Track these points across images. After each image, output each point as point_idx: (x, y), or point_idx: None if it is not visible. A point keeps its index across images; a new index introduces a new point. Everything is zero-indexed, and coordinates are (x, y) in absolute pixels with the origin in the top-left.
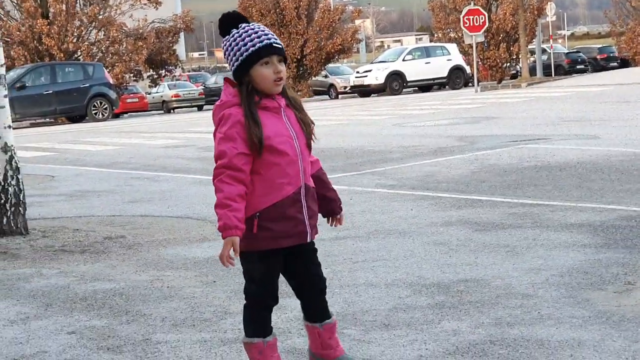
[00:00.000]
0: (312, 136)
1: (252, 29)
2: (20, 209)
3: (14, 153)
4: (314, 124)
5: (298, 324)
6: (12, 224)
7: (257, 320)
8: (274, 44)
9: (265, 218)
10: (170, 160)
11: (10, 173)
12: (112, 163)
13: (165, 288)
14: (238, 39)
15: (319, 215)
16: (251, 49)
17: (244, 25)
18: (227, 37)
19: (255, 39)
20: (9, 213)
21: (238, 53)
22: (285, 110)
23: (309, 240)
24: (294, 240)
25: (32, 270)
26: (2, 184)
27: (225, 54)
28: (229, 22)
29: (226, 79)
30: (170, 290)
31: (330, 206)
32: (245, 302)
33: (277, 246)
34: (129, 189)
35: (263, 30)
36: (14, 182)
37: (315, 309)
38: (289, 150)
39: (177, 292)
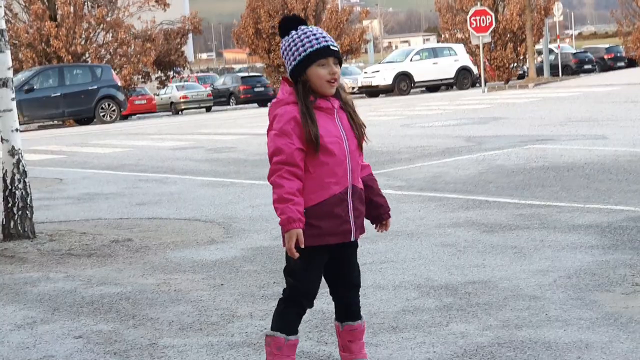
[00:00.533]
0: (364, 138)
1: (311, 31)
2: (27, 212)
3: (21, 156)
4: (365, 127)
5: (306, 327)
6: (20, 228)
7: (286, 317)
8: (331, 47)
9: (312, 215)
10: (179, 162)
11: (17, 176)
12: (120, 165)
13: (173, 291)
14: (297, 39)
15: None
16: (309, 49)
17: (303, 27)
18: (286, 37)
19: (314, 41)
20: (16, 217)
21: (296, 53)
22: (338, 112)
23: (352, 239)
24: (339, 238)
25: (39, 274)
26: (10, 187)
27: (283, 54)
28: (288, 24)
29: (284, 78)
30: (177, 293)
31: (377, 211)
32: (281, 296)
33: (323, 243)
34: (137, 192)
35: (321, 33)
36: (21, 186)
37: (343, 306)
38: (338, 150)
39: (184, 296)
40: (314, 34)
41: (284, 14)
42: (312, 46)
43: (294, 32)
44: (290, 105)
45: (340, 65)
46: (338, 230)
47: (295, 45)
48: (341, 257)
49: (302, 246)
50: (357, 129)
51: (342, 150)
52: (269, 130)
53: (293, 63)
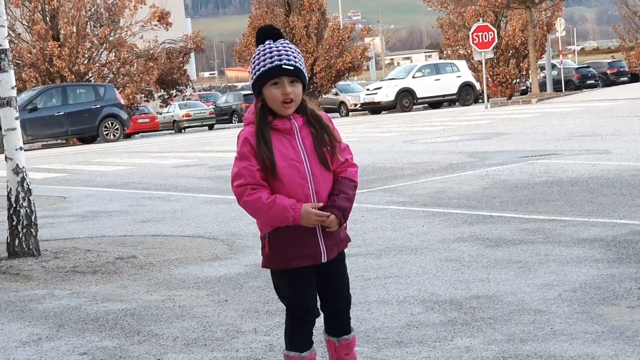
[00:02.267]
0: (334, 151)
1: (271, 48)
2: (32, 230)
3: (26, 175)
4: (338, 141)
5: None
6: (24, 246)
7: (294, 334)
8: (284, 66)
9: (275, 240)
10: (182, 179)
11: (22, 195)
12: (124, 183)
13: (177, 308)
14: (256, 57)
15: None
16: (262, 69)
17: (269, 42)
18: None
19: (268, 59)
20: (20, 235)
21: (253, 71)
22: (301, 131)
23: (324, 260)
24: (307, 261)
25: (44, 291)
26: (14, 205)
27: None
28: (260, 36)
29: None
30: (181, 309)
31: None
32: (287, 318)
33: (290, 267)
34: (141, 209)
35: (279, 50)
36: (25, 204)
37: (335, 322)
38: (295, 173)
39: (189, 312)
40: (271, 51)
41: (285, 32)
42: (264, 65)
43: (260, 46)
44: (249, 125)
45: (304, 85)
46: (305, 254)
47: (254, 62)
48: (327, 271)
49: (319, 219)
50: (320, 146)
51: (301, 172)
52: None
53: (251, 82)
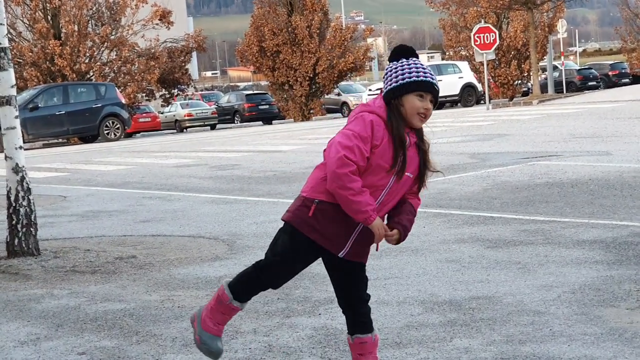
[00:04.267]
0: (424, 179)
1: (422, 65)
2: (31, 229)
3: (25, 174)
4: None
5: (309, 342)
6: (24, 245)
7: (244, 280)
8: (435, 85)
9: (322, 209)
10: (183, 179)
11: (21, 194)
12: (124, 183)
13: (176, 308)
14: (406, 66)
15: None
16: (414, 77)
17: (415, 59)
18: (395, 62)
19: (422, 73)
20: (20, 234)
21: (401, 76)
22: (410, 147)
23: (340, 254)
24: (328, 244)
25: (43, 291)
26: (14, 205)
27: (387, 74)
28: (401, 52)
29: (381, 92)
30: (181, 310)
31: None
32: (255, 265)
33: (312, 237)
34: (141, 209)
35: (430, 72)
36: (25, 203)
37: (351, 320)
38: (383, 180)
39: (188, 312)
40: (424, 68)
41: (287, 32)
42: (418, 76)
43: (404, 59)
44: (374, 114)
45: (435, 106)
46: (331, 238)
47: (403, 69)
48: (344, 270)
49: (384, 233)
50: (423, 167)
51: (385, 180)
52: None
53: (395, 84)
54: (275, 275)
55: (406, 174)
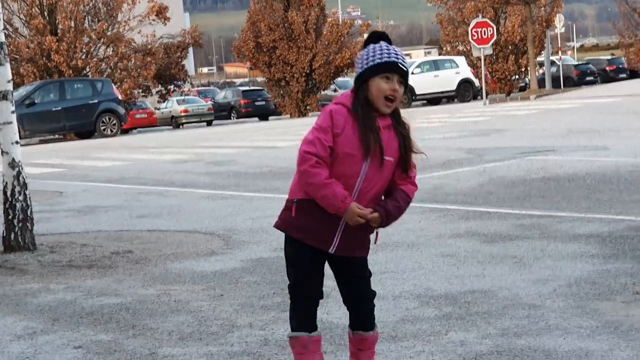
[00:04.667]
0: (408, 162)
1: (388, 47)
2: (27, 224)
3: (22, 169)
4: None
5: None
6: (20, 240)
7: (299, 314)
8: (400, 64)
9: (302, 208)
10: (179, 175)
11: (17, 189)
12: (121, 178)
13: (172, 302)
14: (371, 51)
15: None
16: (378, 60)
17: (383, 42)
18: (364, 48)
19: (385, 54)
20: (16, 229)
21: (366, 61)
22: (384, 131)
23: (330, 250)
24: (315, 242)
25: (39, 285)
26: (10, 199)
27: (356, 62)
28: (370, 38)
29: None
30: (177, 304)
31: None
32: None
33: (300, 238)
34: (137, 204)
35: (396, 51)
36: (21, 198)
37: (353, 317)
38: (353, 167)
39: (184, 306)
40: (389, 50)
41: (284, 28)
42: (380, 58)
43: (375, 44)
44: (339, 105)
45: (406, 88)
46: (317, 235)
47: (368, 54)
48: (343, 267)
49: (361, 212)
50: (404, 152)
51: (357, 167)
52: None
53: (359, 71)
54: (300, 285)
55: (385, 158)
